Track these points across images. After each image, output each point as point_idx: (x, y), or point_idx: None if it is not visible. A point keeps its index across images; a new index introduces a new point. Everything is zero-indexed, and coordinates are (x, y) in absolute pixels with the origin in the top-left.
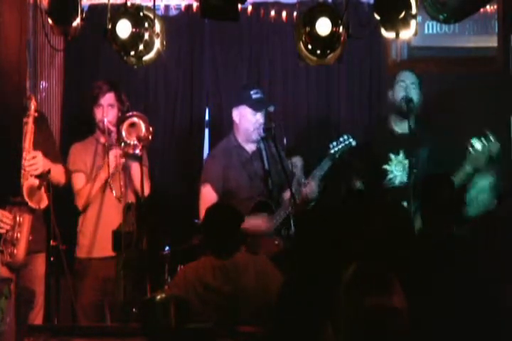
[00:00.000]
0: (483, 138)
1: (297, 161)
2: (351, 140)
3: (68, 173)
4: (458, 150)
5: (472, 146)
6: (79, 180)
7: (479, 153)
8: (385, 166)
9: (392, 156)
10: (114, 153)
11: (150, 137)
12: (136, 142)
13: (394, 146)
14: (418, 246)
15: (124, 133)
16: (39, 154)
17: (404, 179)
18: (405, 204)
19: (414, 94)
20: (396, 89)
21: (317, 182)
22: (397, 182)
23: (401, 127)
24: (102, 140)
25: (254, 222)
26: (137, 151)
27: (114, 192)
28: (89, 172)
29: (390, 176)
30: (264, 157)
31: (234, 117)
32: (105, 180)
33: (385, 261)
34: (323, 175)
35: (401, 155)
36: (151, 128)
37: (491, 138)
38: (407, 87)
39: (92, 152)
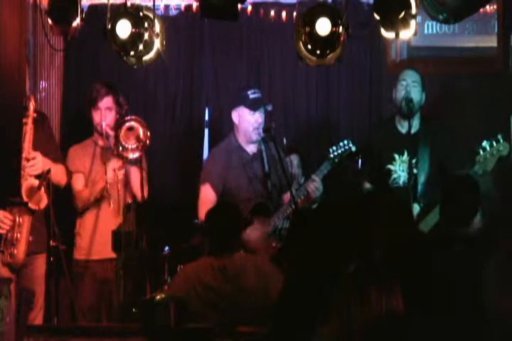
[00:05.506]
0: (493, 141)
1: (293, 159)
2: (351, 145)
3: (69, 173)
4: (459, 151)
5: (483, 149)
6: (78, 181)
7: (489, 155)
8: (390, 166)
9: (397, 156)
10: (112, 166)
11: (148, 142)
12: (134, 146)
13: (398, 146)
14: (434, 246)
15: (122, 137)
16: (38, 154)
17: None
18: (416, 205)
19: (416, 93)
20: (398, 89)
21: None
22: (401, 182)
23: (404, 127)
24: (101, 142)
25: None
26: (136, 155)
27: (111, 204)
28: (88, 174)
29: (395, 176)
30: (265, 159)
31: (233, 119)
32: (102, 190)
33: (388, 261)
34: (323, 180)
35: (405, 155)
36: (148, 133)
37: (501, 139)
38: (407, 85)
39: (90, 154)
